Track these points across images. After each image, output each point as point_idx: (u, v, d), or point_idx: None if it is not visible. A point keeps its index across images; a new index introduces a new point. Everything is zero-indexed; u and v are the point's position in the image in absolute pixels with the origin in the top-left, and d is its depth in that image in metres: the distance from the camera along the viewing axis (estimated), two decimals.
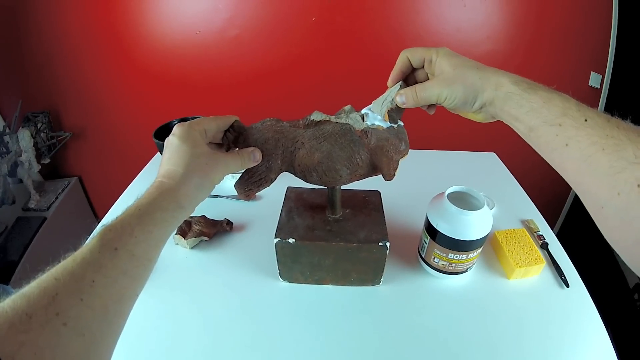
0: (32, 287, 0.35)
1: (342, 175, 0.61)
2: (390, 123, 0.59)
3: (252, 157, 0.57)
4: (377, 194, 0.80)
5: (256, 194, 0.64)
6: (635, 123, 0.38)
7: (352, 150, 0.59)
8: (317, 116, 0.61)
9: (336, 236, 0.69)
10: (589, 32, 1.69)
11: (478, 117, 0.54)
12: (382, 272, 0.74)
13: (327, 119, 0.61)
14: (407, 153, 0.62)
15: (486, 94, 0.49)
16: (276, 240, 0.68)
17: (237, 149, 0.59)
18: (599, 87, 1.77)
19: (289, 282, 0.77)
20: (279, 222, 0.72)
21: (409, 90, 0.55)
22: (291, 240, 0.68)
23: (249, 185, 0.60)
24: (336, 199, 0.71)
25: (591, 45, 1.72)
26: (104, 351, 0.38)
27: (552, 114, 0.42)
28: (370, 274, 0.74)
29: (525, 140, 0.47)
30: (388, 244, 0.67)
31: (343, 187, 0.71)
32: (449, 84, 0.51)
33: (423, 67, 0.57)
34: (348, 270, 0.73)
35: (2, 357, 0.29)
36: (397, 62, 0.58)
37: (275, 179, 0.61)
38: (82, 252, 0.39)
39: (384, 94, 0.60)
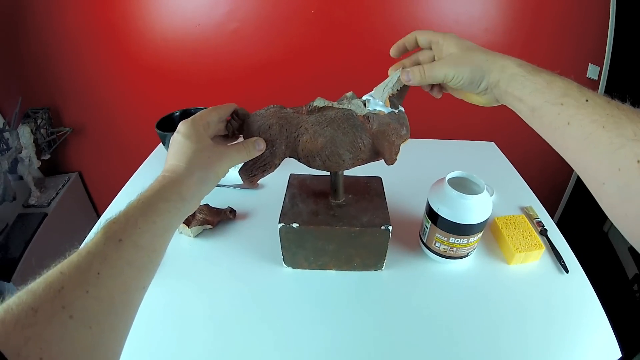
0: (38, 283, 0.35)
1: (345, 159, 0.62)
2: (391, 108, 0.61)
3: (256, 147, 0.58)
4: (378, 179, 0.81)
5: (259, 181, 0.65)
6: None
7: (354, 135, 0.60)
8: (320, 102, 0.62)
9: (339, 220, 0.70)
10: (586, 23, 1.70)
11: (482, 100, 0.55)
12: (385, 256, 0.75)
13: (330, 105, 0.62)
14: (408, 137, 0.63)
15: (492, 75, 0.50)
16: (280, 225, 0.69)
17: (242, 137, 0.60)
18: (597, 78, 1.78)
19: (293, 267, 0.78)
20: (282, 207, 0.73)
21: (416, 68, 0.55)
22: (295, 225, 0.69)
23: (254, 171, 0.61)
24: (339, 185, 0.72)
25: (589, 37, 1.73)
26: (112, 344, 0.38)
27: (554, 94, 0.43)
28: (372, 259, 0.75)
29: (527, 122, 0.48)
30: (390, 228, 0.68)
31: (345, 173, 0.72)
32: (457, 64, 0.52)
33: (430, 49, 0.58)
34: (351, 255, 0.74)
35: (6, 353, 0.28)
36: (404, 37, 0.60)
37: (279, 164, 0.62)
38: (87, 245, 0.39)
39: (385, 81, 0.61)
